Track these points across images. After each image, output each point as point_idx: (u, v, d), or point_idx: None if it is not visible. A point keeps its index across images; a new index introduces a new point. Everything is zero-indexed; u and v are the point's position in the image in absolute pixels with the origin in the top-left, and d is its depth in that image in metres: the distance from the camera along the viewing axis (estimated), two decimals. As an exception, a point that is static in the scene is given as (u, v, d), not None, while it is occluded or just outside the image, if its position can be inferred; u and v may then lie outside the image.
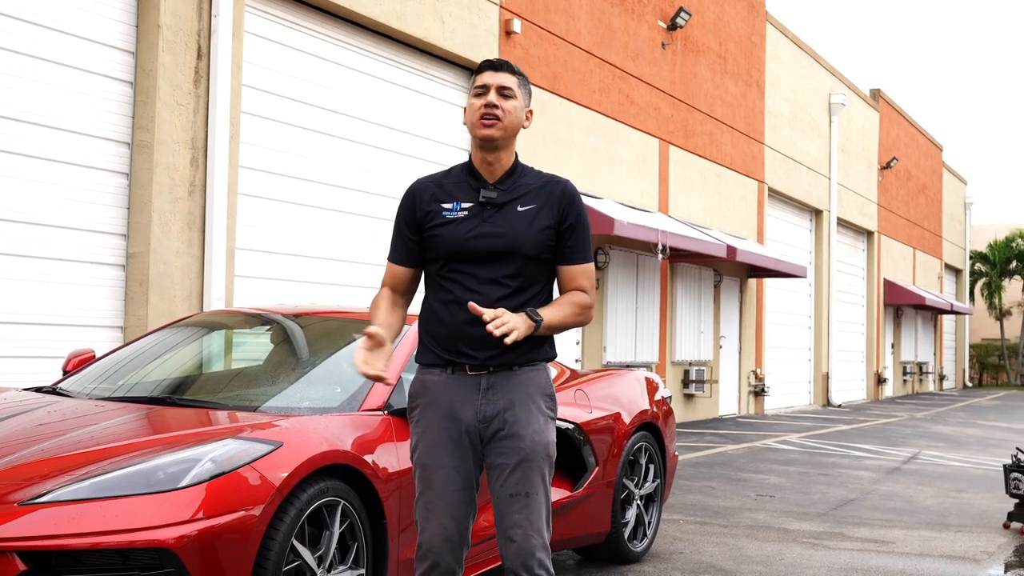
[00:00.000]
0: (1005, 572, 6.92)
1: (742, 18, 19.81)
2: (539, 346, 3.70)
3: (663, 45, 16.85)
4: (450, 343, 3.63)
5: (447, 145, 12.29)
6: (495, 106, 3.63)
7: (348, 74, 10.88)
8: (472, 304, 3.47)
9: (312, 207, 10.41)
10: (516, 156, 3.77)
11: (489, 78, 3.68)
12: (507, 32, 12.73)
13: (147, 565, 3.66)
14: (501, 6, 12.64)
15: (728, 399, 20.04)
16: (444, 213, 3.66)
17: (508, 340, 3.40)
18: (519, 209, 3.66)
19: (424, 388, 3.69)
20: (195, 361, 5.85)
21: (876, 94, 28.67)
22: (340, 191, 10.77)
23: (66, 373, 5.64)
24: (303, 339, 5.74)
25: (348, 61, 10.87)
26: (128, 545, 3.63)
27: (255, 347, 5.84)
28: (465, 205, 3.67)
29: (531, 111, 3.79)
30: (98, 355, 5.90)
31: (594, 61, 14.82)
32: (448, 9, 11.76)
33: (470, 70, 12.52)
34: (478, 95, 3.68)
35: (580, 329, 14.38)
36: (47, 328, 8.02)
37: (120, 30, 8.51)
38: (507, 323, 3.43)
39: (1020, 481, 8.45)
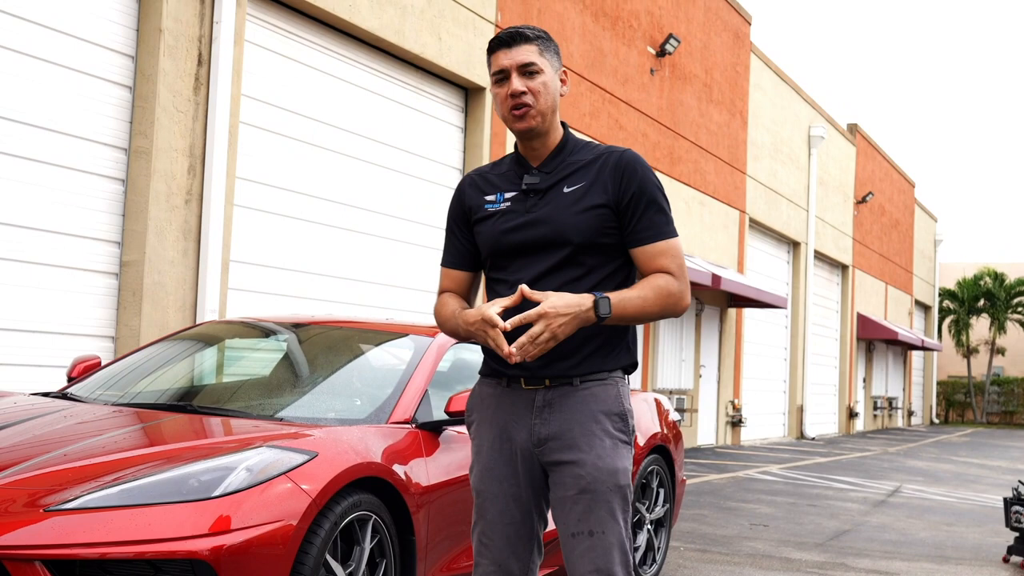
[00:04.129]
0: (1017, 605, 6.82)
1: (727, 47, 19.84)
2: (608, 353, 3.12)
3: (652, 71, 16.82)
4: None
5: (441, 164, 12.15)
6: (523, 92, 3.09)
7: (346, 88, 10.73)
8: (523, 287, 2.97)
9: (307, 221, 10.23)
10: (565, 130, 3.22)
11: (505, 58, 3.13)
12: (502, 52, 12.62)
13: (179, 576, 3.47)
14: (497, 25, 12.55)
15: (707, 429, 19.94)
16: (487, 207, 3.19)
17: (532, 354, 2.91)
18: (565, 190, 3.11)
19: (480, 401, 3.24)
20: (207, 369, 5.65)
21: (853, 128, 28.83)
22: (335, 206, 10.59)
23: (71, 379, 5.42)
24: (320, 349, 5.57)
25: (346, 74, 10.72)
26: (160, 555, 3.43)
27: (269, 357, 5.65)
28: (508, 195, 3.18)
29: (566, 71, 3.22)
30: (103, 362, 5.68)
31: (585, 84, 14.75)
32: (446, 26, 11.65)
33: (465, 89, 12.41)
34: (499, 82, 3.14)
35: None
36: (35, 335, 7.78)
37: (121, 33, 8.32)
38: (536, 331, 2.87)
39: (1021, 514, 8.37)
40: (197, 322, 8.37)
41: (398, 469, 4.28)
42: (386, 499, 4.22)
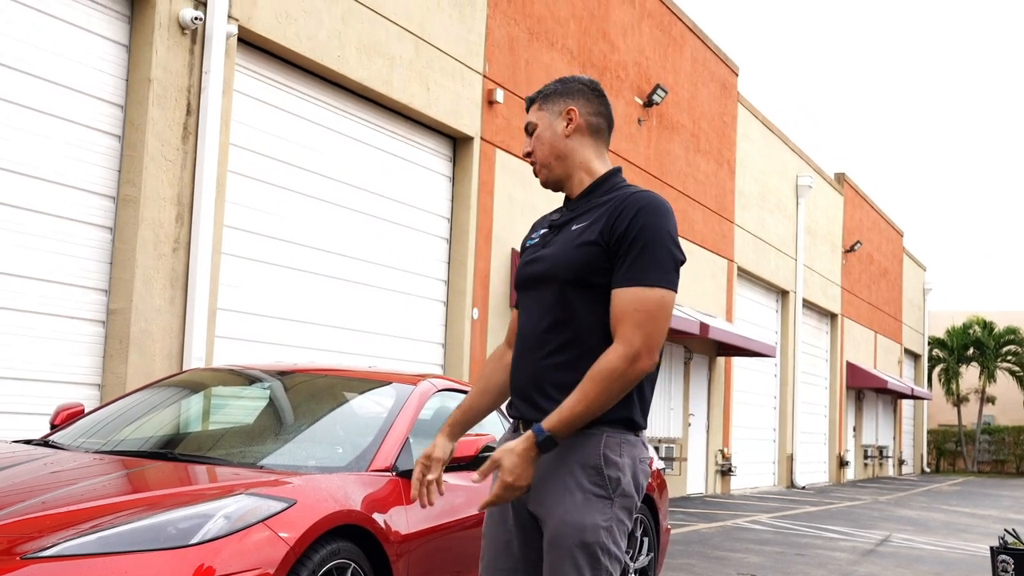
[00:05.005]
0: (1002, 655, 6.80)
1: (715, 98, 20.02)
2: None
3: (639, 121, 16.96)
4: (512, 393, 3.20)
5: (428, 212, 12.22)
6: (528, 153, 3.25)
7: (334, 137, 10.81)
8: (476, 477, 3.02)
9: (295, 269, 10.26)
10: (607, 173, 3.22)
11: (525, 121, 3.32)
12: (489, 102, 12.75)
13: (156, 625, 3.46)
14: (485, 75, 12.66)
15: (696, 477, 19.89)
16: (527, 243, 3.28)
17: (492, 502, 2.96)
18: (572, 228, 3.11)
19: (499, 445, 3.17)
20: (189, 417, 5.66)
21: (841, 178, 29.03)
22: (323, 254, 10.64)
23: (54, 427, 5.42)
24: (302, 397, 5.58)
25: (334, 124, 10.80)
26: (136, 603, 3.43)
27: (251, 404, 5.66)
28: (542, 232, 3.25)
29: (572, 109, 3.21)
30: (87, 410, 5.68)
31: (573, 134, 14.85)
32: (434, 77, 11.75)
33: (453, 138, 12.50)
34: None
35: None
36: (21, 383, 7.77)
37: (110, 83, 8.39)
38: (502, 493, 2.94)
39: (1007, 564, 8.36)
40: (183, 370, 8.37)
41: (378, 517, 4.29)
42: (365, 547, 4.22)
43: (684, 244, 18.54)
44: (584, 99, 3.25)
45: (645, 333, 2.92)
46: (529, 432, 2.92)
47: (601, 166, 3.23)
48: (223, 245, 9.21)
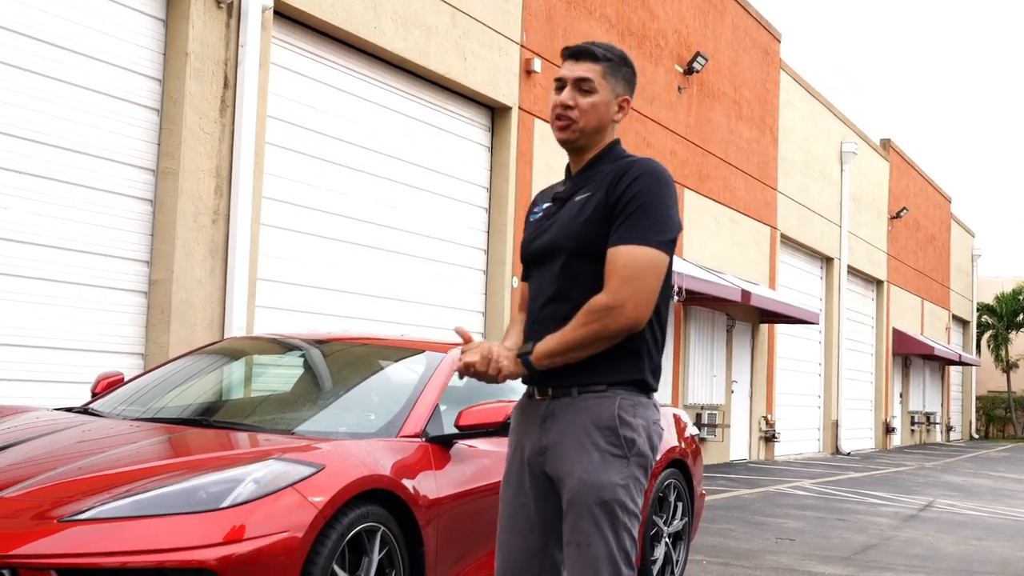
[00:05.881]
0: (1038, 619, 6.80)
1: (756, 65, 19.87)
2: (611, 366, 3.08)
3: (679, 89, 16.88)
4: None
5: (466, 182, 12.27)
6: (570, 106, 3.15)
7: (370, 108, 10.88)
8: (458, 327, 3.18)
9: (333, 240, 10.37)
10: (609, 143, 3.24)
11: (567, 70, 3.19)
12: (527, 71, 12.75)
13: (188, 586, 3.57)
14: (522, 45, 12.66)
15: (739, 444, 19.90)
16: (530, 218, 3.31)
17: (458, 369, 3.10)
18: (575, 199, 3.15)
19: (514, 412, 3.34)
20: (226, 385, 5.77)
21: (886, 144, 28.72)
22: (361, 224, 10.73)
23: (95, 395, 5.56)
24: (335, 365, 5.67)
25: (371, 95, 10.87)
26: (168, 564, 3.54)
27: (286, 373, 5.76)
28: (545, 205, 3.27)
29: (627, 100, 3.22)
30: (126, 379, 5.81)
31: (612, 102, 14.82)
32: (471, 47, 11.78)
33: (490, 108, 12.53)
34: (556, 90, 3.21)
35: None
36: (68, 353, 7.95)
37: (148, 57, 8.50)
38: (463, 358, 3.09)
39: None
40: (221, 339, 8.50)
41: (407, 482, 4.36)
42: (395, 511, 4.30)
43: (726, 211, 18.52)
44: (631, 91, 3.28)
45: (632, 288, 2.98)
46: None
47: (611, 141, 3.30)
48: (262, 216, 9.32)
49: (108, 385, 5.59)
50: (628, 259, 3.00)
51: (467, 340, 3.13)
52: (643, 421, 3.11)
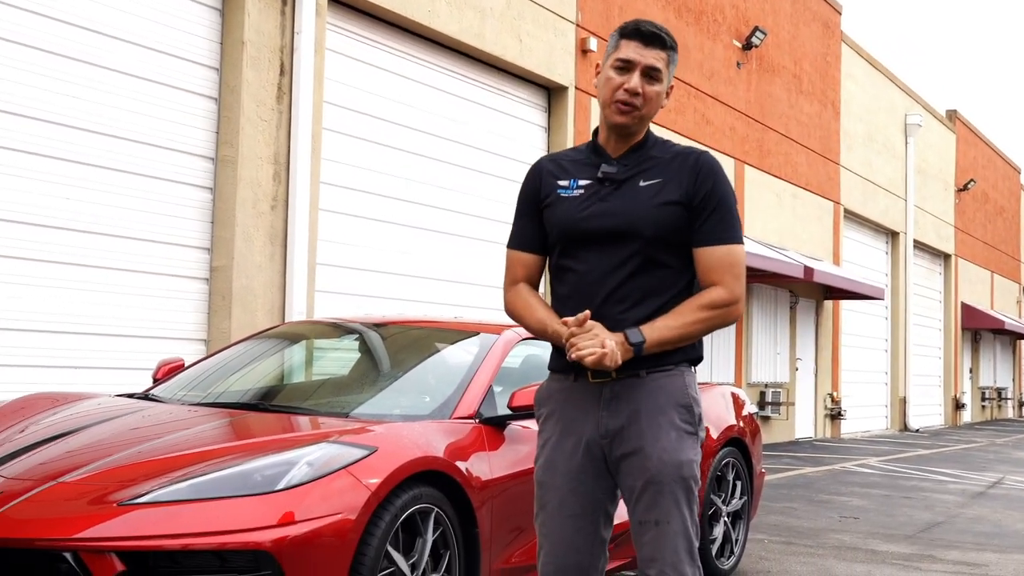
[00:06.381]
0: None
1: (817, 38, 19.62)
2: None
3: (738, 64, 16.73)
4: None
5: (524, 163, 12.25)
6: (638, 94, 3.13)
7: (426, 91, 10.91)
8: (566, 320, 3.07)
9: (391, 223, 10.44)
10: (648, 129, 3.26)
11: (636, 53, 3.15)
12: (583, 51, 12.71)
13: (244, 567, 3.64)
14: (578, 25, 12.62)
15: (804, 422, 19.75)
16: (559, 191, 3.22)
17: (589, 362, 2.96)
18: (641, 184, 3.15)
19: (548, 395, 3.28)
20: (283, 369, 5.85)
21: (952, 115, 28.23)
22: (419, 208, 10.78)
23: (156, 380, 5.66)
24: (390, 348, 5.72)
25: (426, 78, 10.90)
26: (225, 546, 3.61)
27: (343, 356, 5.83)
28: (583, 182, 3.20)
29: (673, 86, 3.28)
30: (186, 364, 5.92)
31: (670, 80, 14.72)
32: (526, 27, 11.76)
33: (547, 89, 12.51)
34: (619, 70, 3.16)
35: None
36: (133, 340, 8.09)
37: (205, 47, 8.60)
38: (588, 346, 2.97)
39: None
40: (278, 324, 8.60)
41: (460, 463, 4.40)
42: (449, 493, 4.33)
43: (788, 187, 18.36)
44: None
45: (741, 285, 3.16)
46: (620, 334, 3.04)
47: None
48: (320, 201, 9.40)
49: (169, 371, 5.69)
50: (735, 257, 3.16)
51: (582, 323, 3.05)
52: (699, 396, 3.24)
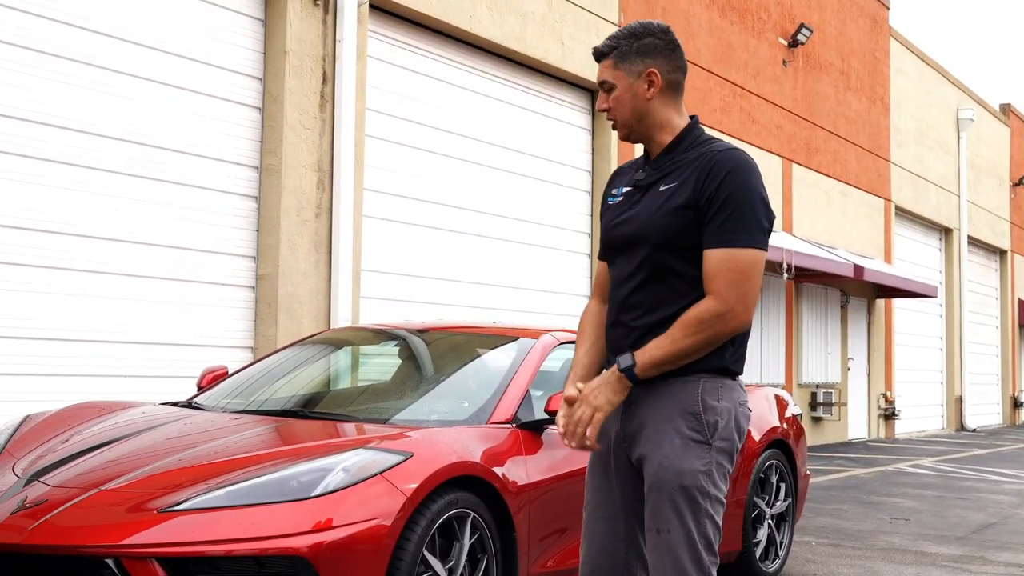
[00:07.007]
0: None
1: (865, 33, 19.45)
2: None
3: (784, 62, 16.63)
4: (609, 351, 3.20)
5: (568, 166, 12.28)
6: (605, 108, 3.21)
7: (468, 96, 10.96)
8: (569, 396, 3.08)
9: (435, 229, 10.49)
10: (687, 127, 3.20)
11: (598, 74, 3.24)
12: (627, 52, 12.67)
13: (282, 573, 3.69)
14: (620, 26, 12.59)
15: (857, 422, 19.57)
16: (609, 199, 3.26)
17: (590, 432, 2.99)
18: (660, 189, 3.11)
19: None
20: (324, 376, 5.91)
21: (1006, 109, 27.84)
22: (463, 212, 10.83)
23: (200, 388, 5.74)
24: (429, 354, 5.76)
25: (468, 83, 10.95)
26: (263, 552, 3.66)
27: (382, 362, 5.88)
28: (624, 190, 3.22)
29: (652, 71, 3.13)
30: (230, 372, 6.00)
31: (714, 80, 14.68)
32: (567, 31, 11.77)
33: (589, 91, 12.51)
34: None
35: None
36: (181, 348, 8.21)
37: (248, 57, 8.71)
38: (576, 414, 3.01)
39: None
40: (322, 331, 8.68)
41: (497, 468, 4.42)
42: (486, 497, 4.36)
43: (837, 185, 18.19)
44: (663, 57, 3.17)
45: (739, 291, 2.98)
46: (613, 371, 3.04)
47: (681, 120, 3.21)
48: (364, 208, 9.47)
49: (213, 379, 5.77)
50: (733, 262, 2.99)
51: (571, 401, 3.08)
52: (728, 404, 3.09)
